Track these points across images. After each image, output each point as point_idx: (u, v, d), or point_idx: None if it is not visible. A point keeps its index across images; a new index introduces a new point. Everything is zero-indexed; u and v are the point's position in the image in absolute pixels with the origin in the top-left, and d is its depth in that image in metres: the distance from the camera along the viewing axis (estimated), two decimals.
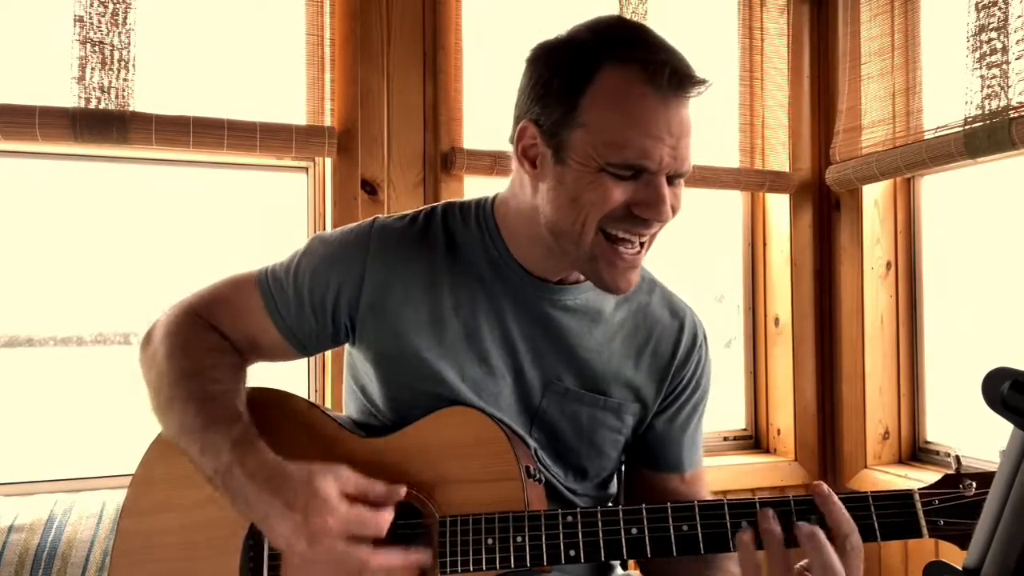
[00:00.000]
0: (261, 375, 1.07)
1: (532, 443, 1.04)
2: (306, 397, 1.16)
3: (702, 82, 0.88)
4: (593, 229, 0.91)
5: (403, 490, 0.90)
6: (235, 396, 0.96)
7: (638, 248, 0.94)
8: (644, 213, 0.90)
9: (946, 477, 0.86)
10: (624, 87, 0.87)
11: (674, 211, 0.92)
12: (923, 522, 0.84)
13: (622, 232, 0.92)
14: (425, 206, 1.09)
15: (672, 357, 1.09)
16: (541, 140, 0.93)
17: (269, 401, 1.03)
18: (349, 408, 1.14)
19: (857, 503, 0.86)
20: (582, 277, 1.03)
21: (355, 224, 1.07)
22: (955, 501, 0.84)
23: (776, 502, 0.88)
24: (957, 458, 0.86)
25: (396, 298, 1.01)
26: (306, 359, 1.82)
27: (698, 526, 0.88)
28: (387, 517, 0.86)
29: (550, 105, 0.91)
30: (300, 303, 1.02)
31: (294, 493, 0.83)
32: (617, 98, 0.88)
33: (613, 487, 1.15)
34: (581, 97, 0.89)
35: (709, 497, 1.11)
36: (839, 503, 0.85)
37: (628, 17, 0.95)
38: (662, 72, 0.86)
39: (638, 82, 0.87)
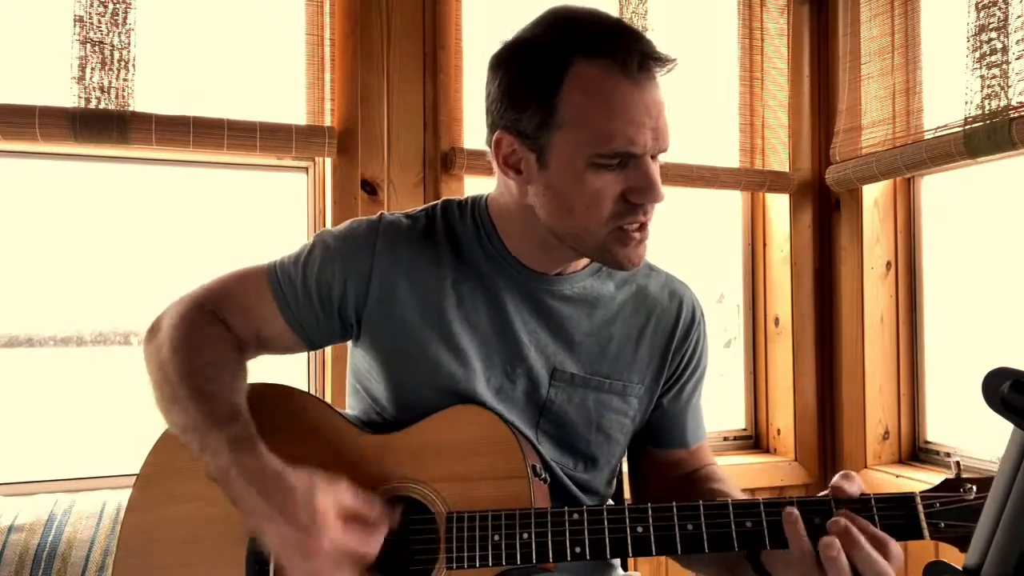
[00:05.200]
0: (263, 372, 1.07)
1: (539, 437, 1.04)
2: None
3: (670, 61, 0.91)
4: (599, 230, 0.93)
5: (396, 515, 0.91)
6: (234, 394, 0.96)
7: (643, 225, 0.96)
8: (639, 199, 0.92)
9: (947, 481, 0.87)
10: (599, 80, 0.89)
11: None
12: (924, 524, 0.85)
13: (626, 224, 0.94)
14: (427, 204, 1.10)
15: (672, 336, 1.11)
16: (522, 146, 0.94)
17: (275, 396, 1.03)
18: (352, 409, 1.14)
19: (859, 505, 0.87)
20: (579, 266, 1.06)
21: (361, 219, 1.07)
22: (956, 504, 0.85)
23: (799, 502, 0.87)
24: (957, 463, 0.88)
25: (403, 294, 1.02)
26: (306, 358, 1.83)
27: (703, 525, 0.88)
28: (376, 545, 0.86)
29: (525, 109, 0.92)
30: (308, 296, 1.03)
31: (297, 508, 0.83)
32: (594, 92, 0.89)
33: (613, 484, 1.16)
34: (555, 97, 0.90)
35: (715, 464, 1.14)
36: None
37: (625, 15, 0.93)
38: (632, 59, 0.88)
39: (611, 73, 0.88)
